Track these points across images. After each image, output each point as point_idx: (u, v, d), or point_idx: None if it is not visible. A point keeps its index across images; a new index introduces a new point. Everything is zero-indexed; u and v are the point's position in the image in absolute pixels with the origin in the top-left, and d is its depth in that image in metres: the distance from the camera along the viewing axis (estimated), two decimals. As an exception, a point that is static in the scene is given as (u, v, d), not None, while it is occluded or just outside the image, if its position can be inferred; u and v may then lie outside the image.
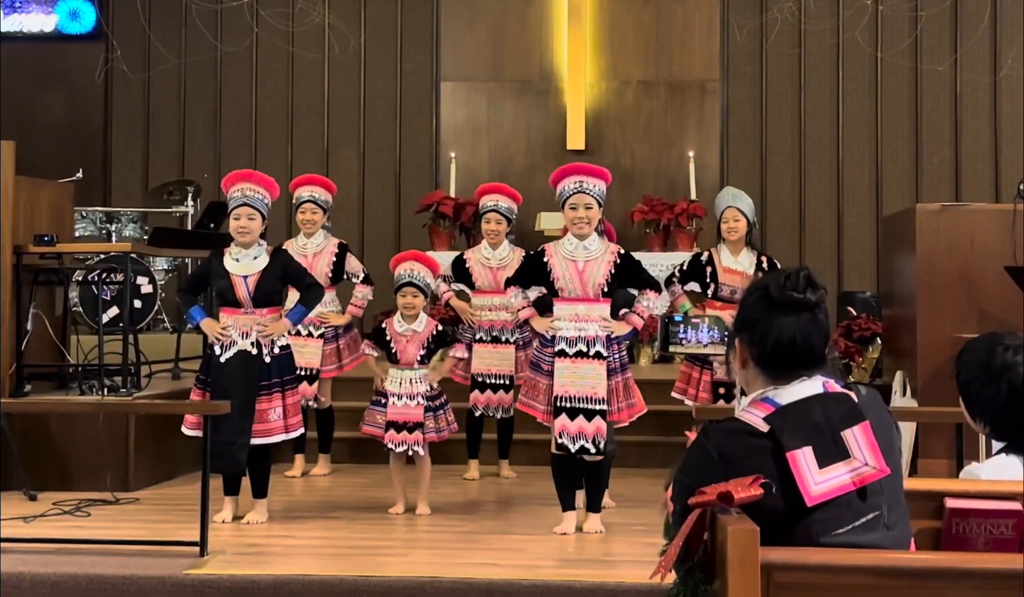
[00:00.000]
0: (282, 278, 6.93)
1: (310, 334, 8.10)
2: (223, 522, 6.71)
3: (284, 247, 8.03)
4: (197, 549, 5.89)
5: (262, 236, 6.92)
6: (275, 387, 6.77)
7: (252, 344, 6.74)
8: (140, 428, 7.80)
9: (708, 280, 7.63)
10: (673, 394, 7.76)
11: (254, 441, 6.67)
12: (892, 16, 12.48)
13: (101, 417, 7.73)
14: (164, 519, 6.86)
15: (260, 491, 6.88)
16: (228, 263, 6.81)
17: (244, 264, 6.80)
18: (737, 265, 7.58)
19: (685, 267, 7.74)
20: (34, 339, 8.16)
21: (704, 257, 7.71)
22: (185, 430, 6.80)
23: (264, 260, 6.83)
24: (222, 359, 6.74)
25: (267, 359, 6.76)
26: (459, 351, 7.45)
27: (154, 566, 5.65)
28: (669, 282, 7.65)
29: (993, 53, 12.42)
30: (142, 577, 5.53)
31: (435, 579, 5.50)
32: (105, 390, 8.00)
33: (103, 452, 7.73)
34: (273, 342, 6.79)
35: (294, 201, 8.32)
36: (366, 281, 8.37)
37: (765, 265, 7.54)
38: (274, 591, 5.47)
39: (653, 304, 6.61)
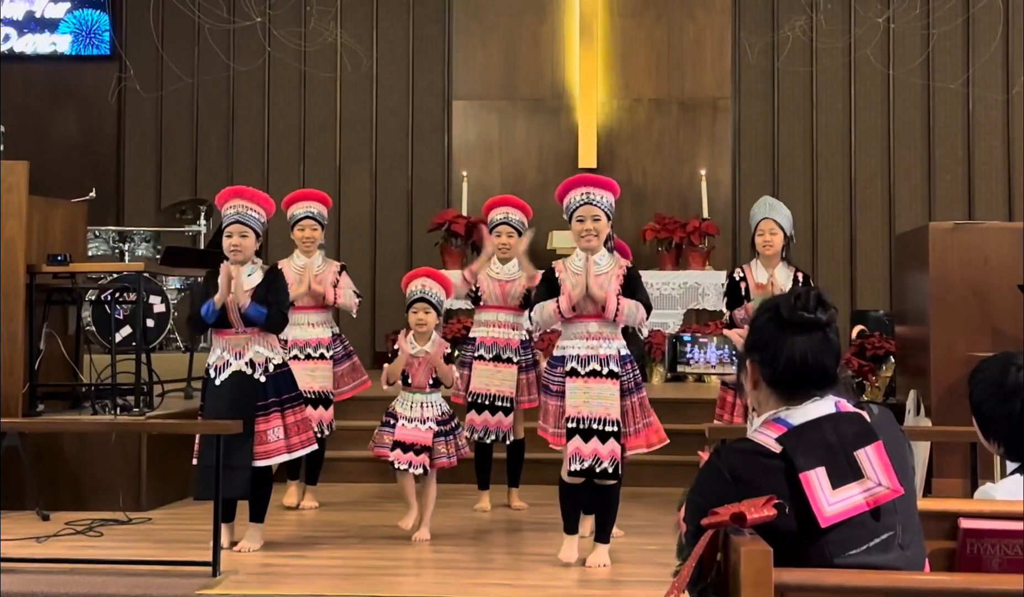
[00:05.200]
0: (265, 295, 6.57)
1: (322, 356, 7.77)
2: (235, 549, 6.52)
3: (279, 266, 7.97)
4: (209, 569, 5.88)
5: (258, 253, 6.71)
6: (272, 407, 6.51)
7: (247, 364, 6.50)
8: (152, 447, 7.81)
9: (744, 296, 7.18)
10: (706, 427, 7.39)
11: (256, 463, 6.43)
12: (904, 34, 12.49)
13: (114, 436, 7.73)
14: (176, 539, 6.86)
15: (257, 516, 6.66)
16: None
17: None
18: (776, 283, 7.10)
19: (726, 292, 7.34)
20: (47, 358, 8.18)
21: (738, 275, 7.29)
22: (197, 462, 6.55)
23: (258, 278, 6.60)
24: (216, 382, 6.52)
25: (262, 378, 6.50)
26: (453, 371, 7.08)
27: (166, 586, 5.65)
28: (731, 323, 7.20)
29: (1005, 70, 12.42)
30: (154, 597, 5.53)
31: (447, 599, 5.50)
32: (118, 409, 8.02)
33: (116, 471, 7.73)
34: (268, 360, 6.54)
35: (289, 218, 7.97)
36: (359, 296, 8.06)
37: (801, 283, 7.06)
38: (286, 611, 5.47)
39: (634, 315, 6.17)
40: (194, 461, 6.57)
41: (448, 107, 12.90)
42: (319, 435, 7.57)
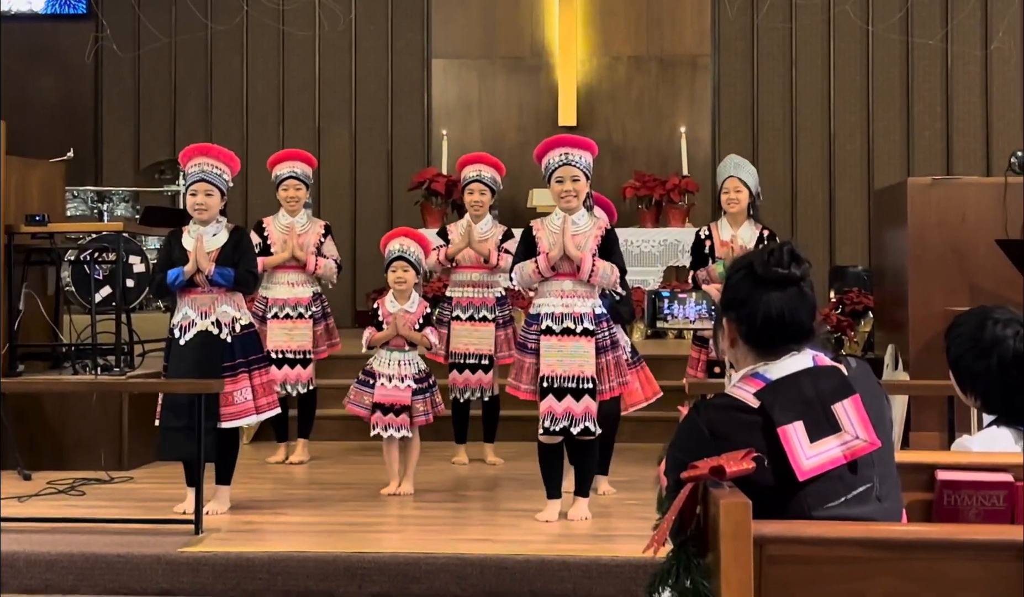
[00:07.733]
0: (232, 255, 6.45)
1: (300, 315, 7.85)
2: (184, 513, 6.31)
3: (264, 224, 8.04)
4: (192, 527, 5.91)
5: (222, 212, 6.55)
6: (240, 368, 6.38)
7: (213, 324, 6.36)
8: (134, 407, 7.81)
9: (707, 255, 7.27)
10: (685, 381, 7.28)
11: (224, 424, 6.31)
12: (883, -11, 12.48)
13: (95, 396, 7.74)
14: (158, 497, 6.86)
15: (224, 478, 6.55)
16: (186, 241, 6.45)
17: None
18: (737, 239, 7.19)
19: (691, 250, 7.43)
20: (27, 319, 8.16)
21: (703, 233, 7.37)
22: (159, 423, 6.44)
23: (223, 237, 6.46)
24: (181, 341, 6.38)
25: (228, 339, 6.37)
26: (432, 334, 7.11)
27: (149, 544, 5.66)
28: (694, 284, 7.27)
29: (984, 26, 12.42)
30: (137, 555, 5.54)
31: (429, 555, 5.52)
32: (98, 369, 8.01)
33: (97, 431, 7.74)
34: (235, 320, 6.40)
35: (273, 178, 8.04)
36: (339, 267, 8.09)
37: (767, 240, 7.14)
38: (269, 568, 5.48)
39: (608, 277, 6.16)
40: (156, 423, 6.48)
41: (427, 66, 12.84)
42: (295, 393, 7.86)
